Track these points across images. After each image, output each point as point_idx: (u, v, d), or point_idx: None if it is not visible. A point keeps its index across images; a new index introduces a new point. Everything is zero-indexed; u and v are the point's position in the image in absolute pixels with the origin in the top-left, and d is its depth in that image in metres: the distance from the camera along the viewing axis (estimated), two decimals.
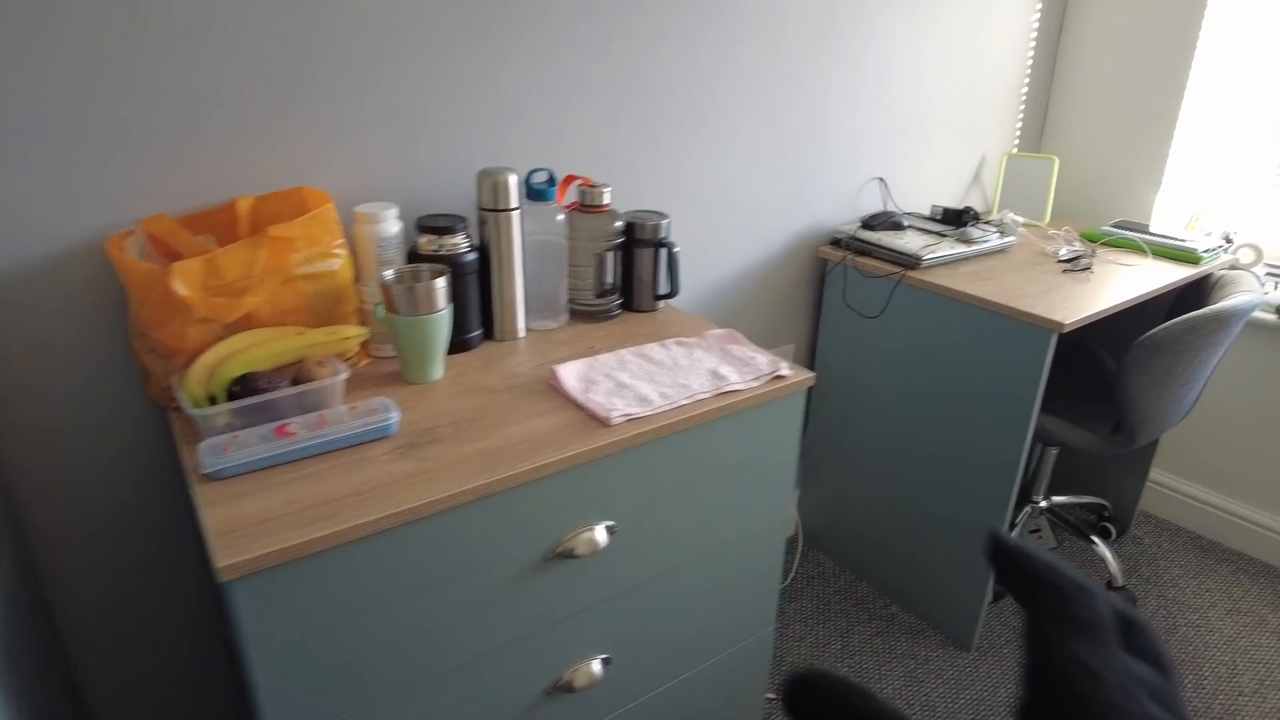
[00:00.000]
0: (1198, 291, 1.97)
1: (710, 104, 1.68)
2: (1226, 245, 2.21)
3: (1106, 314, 1.63)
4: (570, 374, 1.19)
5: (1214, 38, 2.13)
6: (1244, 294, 1.71)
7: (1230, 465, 2.32)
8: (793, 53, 1.77)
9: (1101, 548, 2.12)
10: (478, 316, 1.31)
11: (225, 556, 0.81)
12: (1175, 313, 2.08)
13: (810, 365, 2.17)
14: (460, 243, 1.25)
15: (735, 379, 1.20)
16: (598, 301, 1.44)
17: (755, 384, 1.20)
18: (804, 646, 1.91)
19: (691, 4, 1.57)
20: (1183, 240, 1.99)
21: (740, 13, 1.65)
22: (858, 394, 2.00)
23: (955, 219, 2.01)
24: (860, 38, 1.88)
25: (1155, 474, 2.48)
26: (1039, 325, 1.57)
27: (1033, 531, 2.35)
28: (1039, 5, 2.27)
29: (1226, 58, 2.20)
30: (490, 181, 1.26)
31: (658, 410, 1.11)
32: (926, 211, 2.15)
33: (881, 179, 2.10)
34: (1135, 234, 2.07)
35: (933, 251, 1.81)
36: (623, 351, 1.29)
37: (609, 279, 1.43)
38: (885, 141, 2.06)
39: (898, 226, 1.96)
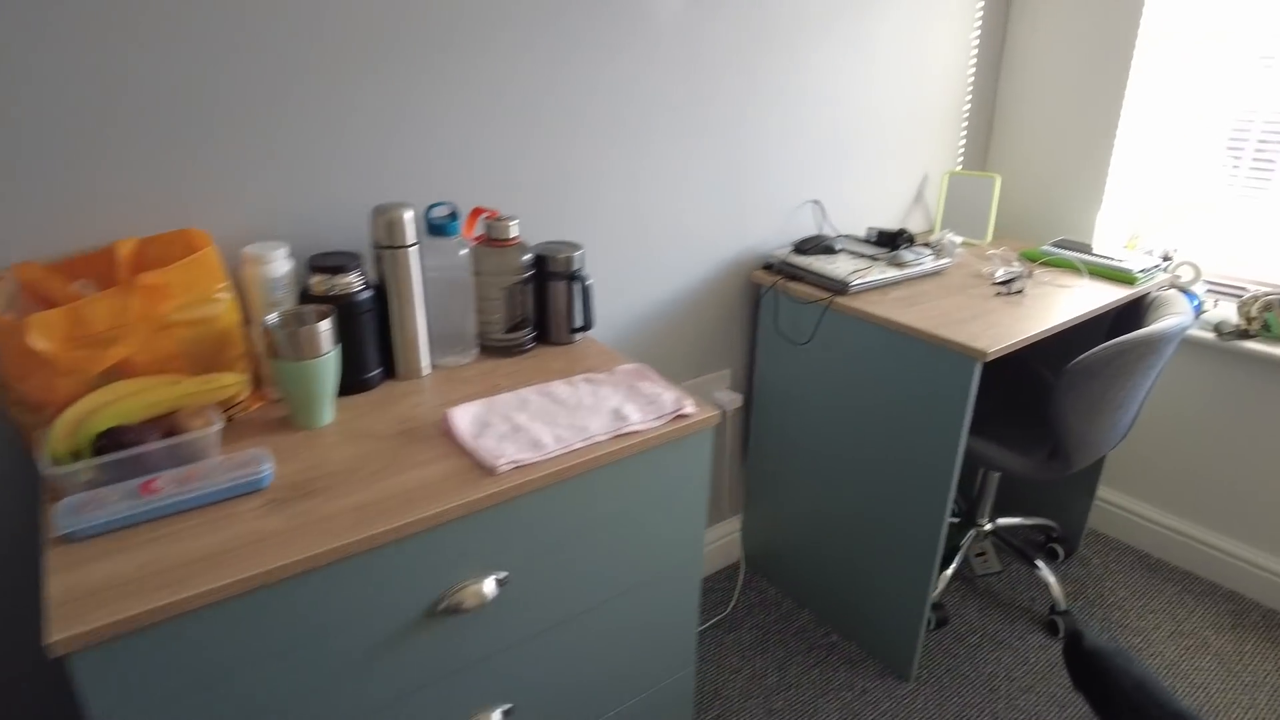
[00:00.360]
0: (1135, 311, 1.97)
1: (631, 127, 1.65)
2: (1165, 263, 2.21)
3: (1033, 340, 1.62)
4: (464, 417, 1.16)
5: (1152, 45, 2.13)
6: (1173, 317, 1.70)
7: (1176, 483, 2.31)
8: (720, 72, 1.75)
9: (1044, 571, 2.10)
10: (377, 355, 1.27)
11: (58, 629, 0.77)
12: (1115, 332, 2.07)
13: (748, 391, 2.14)
14: (354, 281, 1.21)
15: (637, 419, 1.17)
16: (509, 336, 1.41)
17: (657, 423, 1.17)
18: (740, 679, 1.88)
19: (602, 20, 1.54)
20: (1119, 260, 1.99)
21: (659, 30, 1.62)
22: (794, 419, 1.98)
23: (890, 241, 2.00)
24: (793, 55, 1.86)
25: (1103, 492, 2.47)
26: (962, 353, 1.55)
27: (978, 555, 2.33)
28: (978, 22, 2.27)
29: (1164, 74, 2.19)
30: (385, 219, 1.23)
31: (550, 455, 1.08)
32: (863, 234, 2.14)
33: (817, 201, 2.08)
34: (1074, 253, 2.06)
35: (862, 276, 1.80)
36: (526, 390, 1.25)
37: (520, 313, 1.40)
38: (822, 162, 2.04)
39: (830, 250, 1.94)
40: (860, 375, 1.79)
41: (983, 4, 2.26)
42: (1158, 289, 1.98)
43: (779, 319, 1.95)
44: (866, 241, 2.06)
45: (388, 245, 1.24)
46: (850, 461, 1.87)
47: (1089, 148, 2.25)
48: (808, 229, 2.09)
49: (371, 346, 1.26)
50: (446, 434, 1.14)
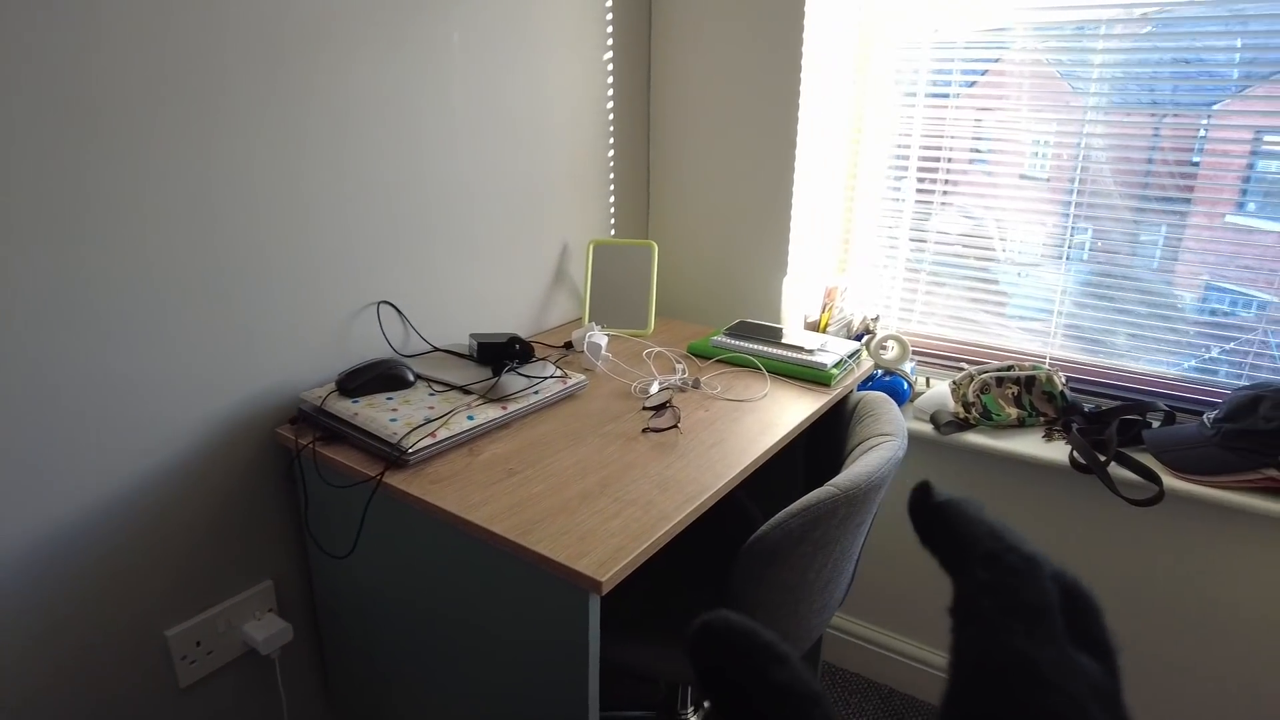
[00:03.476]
0: (838, 419, 1.46)
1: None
2: (866, 338, 1.75)
3: (668, 539, 1.00)
4: None
5: (819, 71, 1.68)
6: (883, 446, 1.17)
7: (905, 605, 1.86)
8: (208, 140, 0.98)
9: None
10: None
11: None
12: (813, 444, 1.56)
13: (309, 603, 1.37)
14: None
15: None
16: None
17: None
18: None
19: None
20: (809, 353, 1.47)
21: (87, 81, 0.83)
22: (384, 646, 1.23)
23: (496, 356, 1.33)
24: (349, 107, 1.14)
25: (834, 619, 1.98)
26: (569, 581, 0.90)
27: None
28: (609, 55, 1.70)
29: (840, 103, 1.76)
30: None
31: None
32: (467, 345, 1.46)
33: (391, 303, 1.37)
34: (752, 345, 1.52)
35: (429, 434, 1.10)
36: None
37: None
38: (394, 243, 1.34)
39: (397, 382, 1.23)
40: (446, 599, 1.08)
41: (611, 40, 1.70)
42: (859, 380, 1.50)
43: (325, 503, 1.20)
44: (468, 358, 1.38)
45: None
46: (461, 703, 1.15)
47: (766, 205, 1.76)
48: (379, 346, 1.37)
49: None
50: None
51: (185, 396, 1.11)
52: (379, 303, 1.35)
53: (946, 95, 1.70)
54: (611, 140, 1.78)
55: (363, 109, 1.24)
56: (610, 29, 1.70)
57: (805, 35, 1.60)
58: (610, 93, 1.74)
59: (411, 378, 1.26)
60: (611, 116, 1.76)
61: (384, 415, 1.14)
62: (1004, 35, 1.61)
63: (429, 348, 1.45)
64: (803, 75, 1.63)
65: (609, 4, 1.68)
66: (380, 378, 1.22)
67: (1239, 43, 1.42)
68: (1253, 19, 1.40)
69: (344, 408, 1.16)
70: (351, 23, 1.20)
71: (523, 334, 1.67)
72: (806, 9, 1.59)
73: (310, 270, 1.23)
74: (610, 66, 1.72)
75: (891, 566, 1.85)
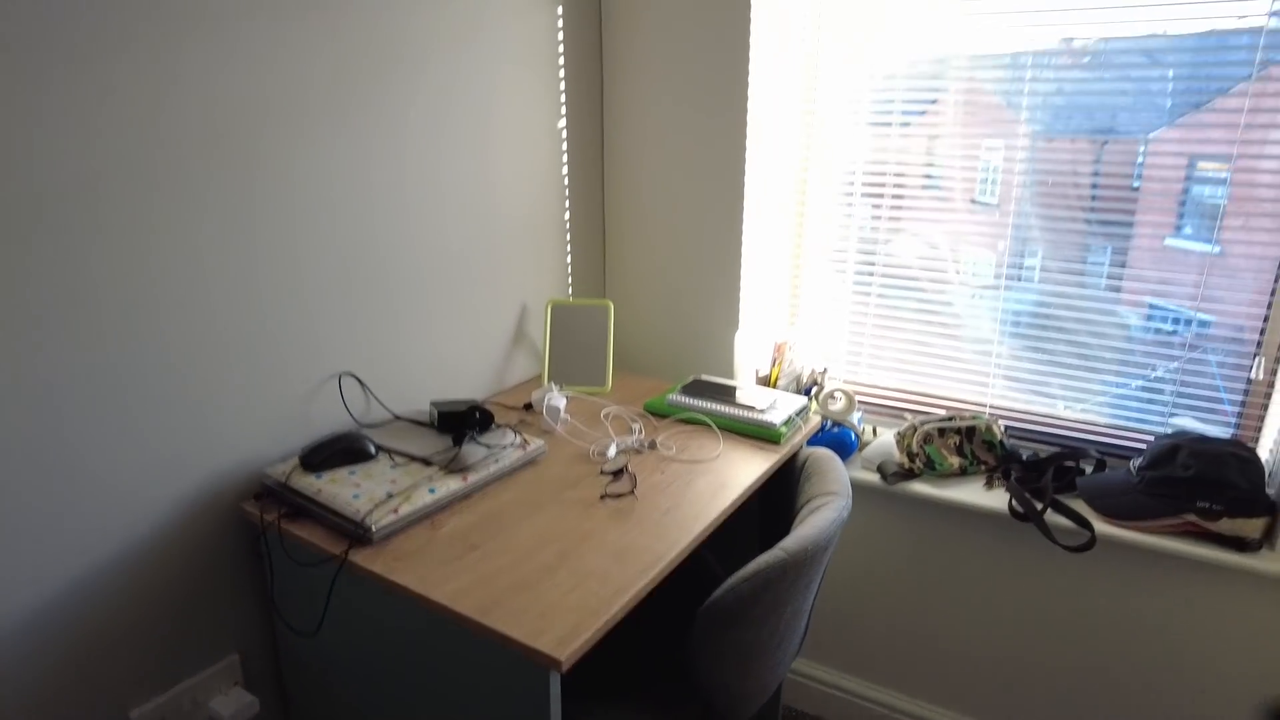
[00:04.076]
0: (790, 468, 1.52)
1: None
2: (814, 389, 1.83)
3: (622, 614, 1.05)
4: None
5: (764, 134, 1.76)
6: (828, 508, 1.23)
7: (860, 648, 1.92)
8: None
9: None
10: None
11: None
12: (766, 504, 1.61)
13: (276, 676, 1.38)
14: None
15: None
16: None
17: None
18: None
19: None
20: (759, 411, 1.53)
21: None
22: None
23: (456, 425, 1.37)
24: (296, 176, 1.18)
25: (795, 664, 2.03)
26: (528, 659, 0.93)
27: None
28: (563, 125, 1.77)
29: (784, 162, 1.84)
30: None
31: None
32: (427, 413, 1.49)
33: (354, 375, 1.40)
34: (706, 403, 1.58)
35: (391, 510, 1.13)
36: None
37: None
38: (362, 308, 1.38)
39: (360, 455, 1.26)
40: (411, 673, 1.11)
41: (565, 106, 1.76)
42: (808, 437, 1.56)
43: (291, 578, 1.22)
44: (429, 426, 1.41)
45: None
46: None
47: (717, 261, 1.83)
48: (341, 417, 1.40)
49: None
50: None
51: (147, 476, 1.13)
52: (340, 374, 1.38)
53: (889, 124, 1.77)
54: (567, 202, 1.84)
55: (319, 182, 1.28)
56: (564, 96, 1.76)
57: (749, 103, 1.69)
58: (565, 157, 1.80)
59: (373, 450, 1.29)
60: (566, 179, 1.82)
61: (347, 491, 1.17)
62: (945, 68, 1.67)
63: (390, 415, 1.48)
64: (749, 138, 1.71)
65: (562, 74, 1.74)
66: (342, 451, 1.25)
67: (1170, 73, 1.51)
68: (1181, 52, 1.49)
69: (308, 483, 1.19)
70: (309, 101, 1.24)
71: (483, 394, 1.71)
72: (750, 79, 1.67)
73: (270, 344, 1.25)
74: (564, 133, 1.79)
75: (844, 614, 1.91)
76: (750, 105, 1.69)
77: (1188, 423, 1.63)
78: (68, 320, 1.01)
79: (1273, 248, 1.50)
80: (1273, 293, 1.52)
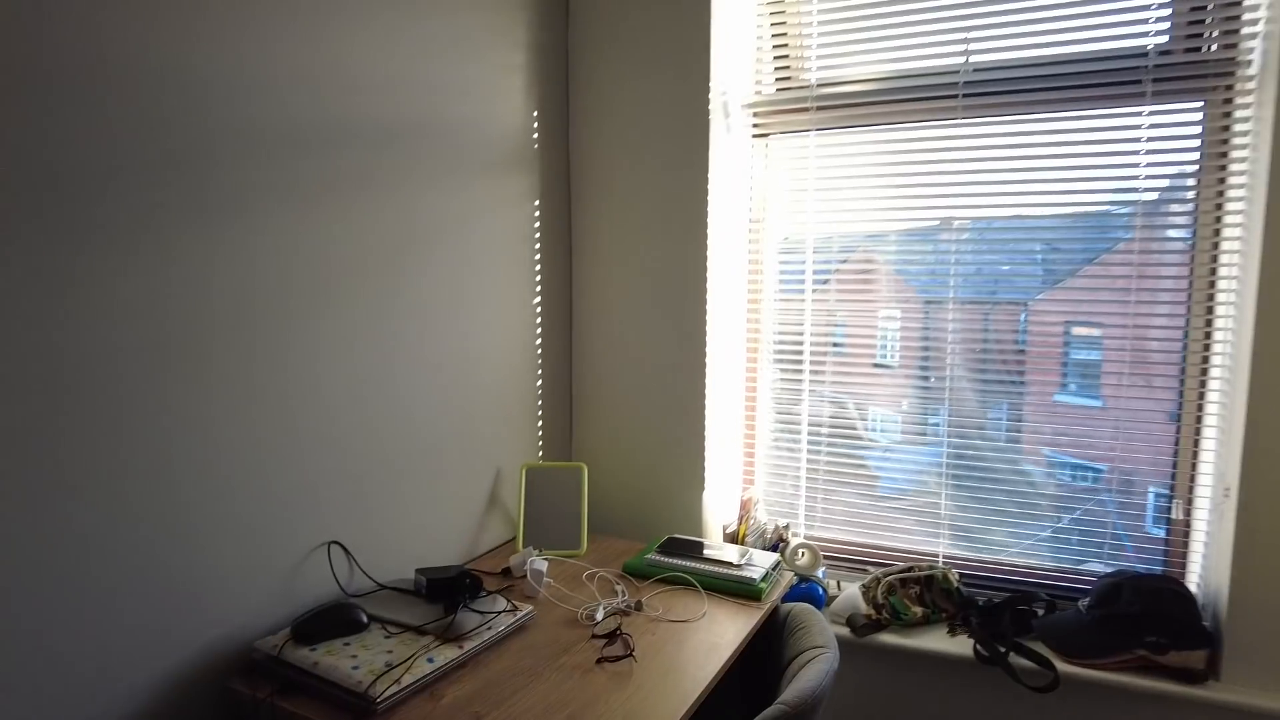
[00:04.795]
0: (767, 628, 1.56)
1: None
2: (781, 545, 1.90)
3: None
4: None
5: (719, 309, 1.92)
6: (819, 660, 1.28)
7: None
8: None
9: None
10: None
11: None
12: (746, 656, 1.64)
13: None
14: None
15: None
16: None
17: None
18: None
19: None
20: (737, 567, 1.59)
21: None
22: None
23: (446, 593, 1.37)
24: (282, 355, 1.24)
25: None
26: None
27: None
28: (537, 290, 1.90)
29: (736, 328, 2.00)
30: None
31: None
32: (413, 580, 1.49)
33: (339, 543, 1.41)
34: (684, 562, 1.63)
35: (393, 680, 1.12)
36: None
37: None
38: (334, 487, 1.40)
39: (353, 624, 1.25)
40: None
41: (540, 275, 1.91)
42: (784, 590, 1.61)
43: None
44: (416, 594, 1.41)
45: None
46: None
47: (681, 421, 1.94)
48: (326, 588, 1.39)
49: None
50: None
51: (130, 656, 1.09)
52: (329, 543, 1.38)
53: (827, 283, 1.96)
54: (539, 370, 1.93)
55: (313, 363, 1.35)
56: (539, 276, 1.90)
57: (708, 283, 1.86)
58: (539, 329, 1.92)
59: (365, 620, 1.28)
60: (540, 349, 1.93)
61: (345, 663, 1.15)
62: (867, 241, 1.90)
63: (372, 583, 1.47)
64: (708, 310, 1.87)
65: (538, 257, 1.89)
66: (336, 622, 1.24)
67: (1038, 246, 1.76)
68: (1046, 230, 1.73)
69: (302, 656, 1.17)
70: (306, 291, 1.33)
71: (459, 560, 1.71)
72: (709, 264, 1.86)
73: (267, 514, 1.26)
74: (539, 308, 1.91)
75: None
76: (709, 285, 1.86)
77: (1122, 563, 1.76)
78: (100, 491, 1.01)
79: (1153, 401, 1.70)
80: (1176, 441, 1.71)
